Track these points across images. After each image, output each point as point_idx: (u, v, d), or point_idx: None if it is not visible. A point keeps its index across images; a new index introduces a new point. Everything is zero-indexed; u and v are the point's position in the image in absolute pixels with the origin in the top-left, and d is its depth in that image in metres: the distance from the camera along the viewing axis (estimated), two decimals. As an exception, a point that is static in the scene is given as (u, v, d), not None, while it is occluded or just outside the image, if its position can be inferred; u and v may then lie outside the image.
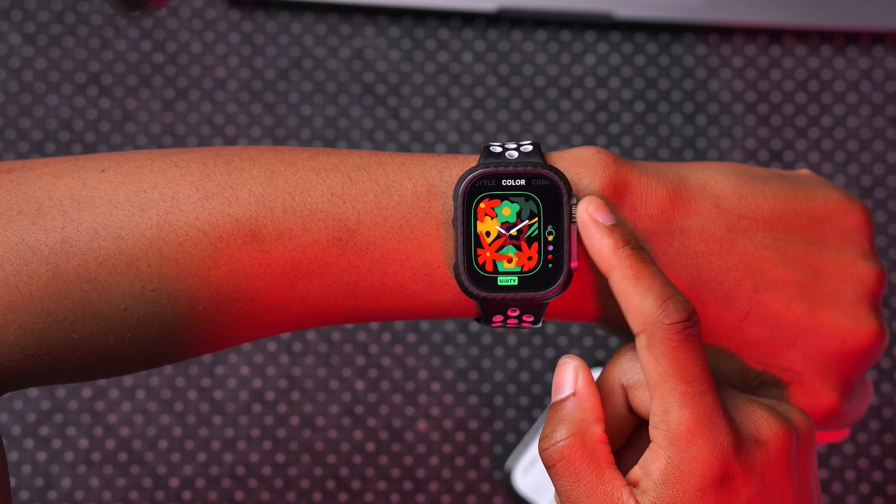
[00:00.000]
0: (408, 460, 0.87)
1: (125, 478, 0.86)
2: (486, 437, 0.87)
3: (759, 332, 0.57)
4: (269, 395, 0.87)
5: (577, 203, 0.54)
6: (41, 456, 0.86)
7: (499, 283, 0.54)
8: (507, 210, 0.54)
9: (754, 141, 0.90)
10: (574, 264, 0.55)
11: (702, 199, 0.56)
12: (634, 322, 0.53)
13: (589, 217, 0.54)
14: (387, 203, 0.54)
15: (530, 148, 0.55)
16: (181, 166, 0.54)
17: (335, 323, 0.57)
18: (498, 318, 0.56)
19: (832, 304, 0.57)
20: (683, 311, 0.52)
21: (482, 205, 0.54)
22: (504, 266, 0.55)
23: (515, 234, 0.54)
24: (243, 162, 0.55)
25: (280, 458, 0.87)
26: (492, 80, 0.91)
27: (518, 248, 0.55)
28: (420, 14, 0.91)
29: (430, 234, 0.54)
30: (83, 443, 0.86)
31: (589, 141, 0.90)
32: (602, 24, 0.91)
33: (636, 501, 0.52)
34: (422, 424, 0.87)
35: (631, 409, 0.56)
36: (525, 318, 0.56)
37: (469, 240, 0.54)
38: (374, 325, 0.88)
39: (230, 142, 0.90)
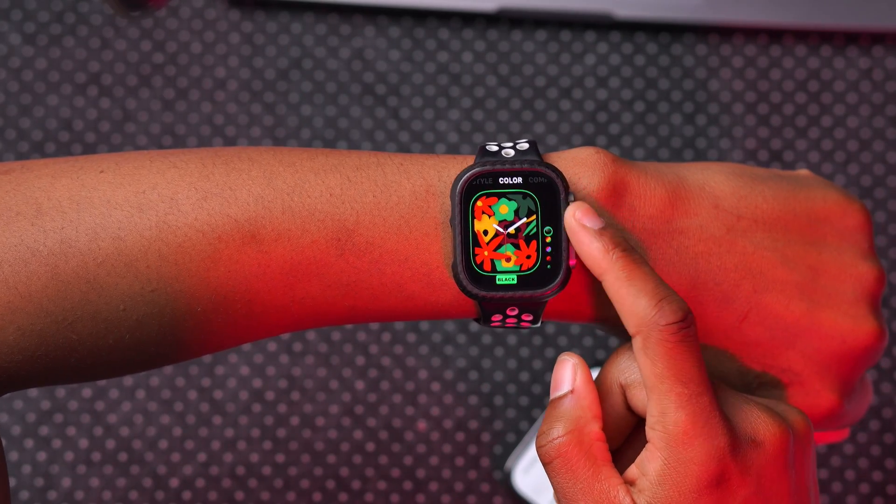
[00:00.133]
0: (408, 460, 0.87)
1: (125, 478, 0.86)
2: (486, 437, 0.87)
3: (758, 333, 0.57)
4: (269, 395, 0.87)
5: (573, 201, 0.54)
6: (41, 456, 0.86)
7: (497, 282, 0.54)
8: (505, 208, 0.54)
9: (754, 141, 0.90)
10: (572, 262, 0.55)
11: (701, 200, 0.56)
12: (629, 324, 0.53)
13: (577, 222, 0.54)
14: (385, 203, 0.54)
15: (526, 146, 0.55)
16: (180, 167, 0.54)
17: (334, 324, 0.57)
18: (497, 317, 0.56)
19: (831, 305, 0.57)
20: (679, 311, 0.52)
21: (479, 203, 0.54)
22: (503, 265, 0.55)
23: (514, 232, 0.54)
24: (242, 163, 0.55)
25: (280, 458, 0.87)
26: (492, 80, 0.91)
27: (516, 246, 0.55)
28: (420, 14, 0.91)
29: (428, 235, 0.54)
30: (83, 443, 0.86)
31: (589, 141, 0.90)
32: (602, 24, 0.91)
33: (632, 500, 0.52)
34: (422, 424, 0.87)
35: (629, 408, 0.56)
36: (524, 317, 0.56)
37: (467, 239, 0.54)
38: (374, 326, 0.88)
39: (230, 142, 0.90)
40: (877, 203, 0.90)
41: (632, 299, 0.52)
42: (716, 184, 0.57)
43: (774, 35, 0.91)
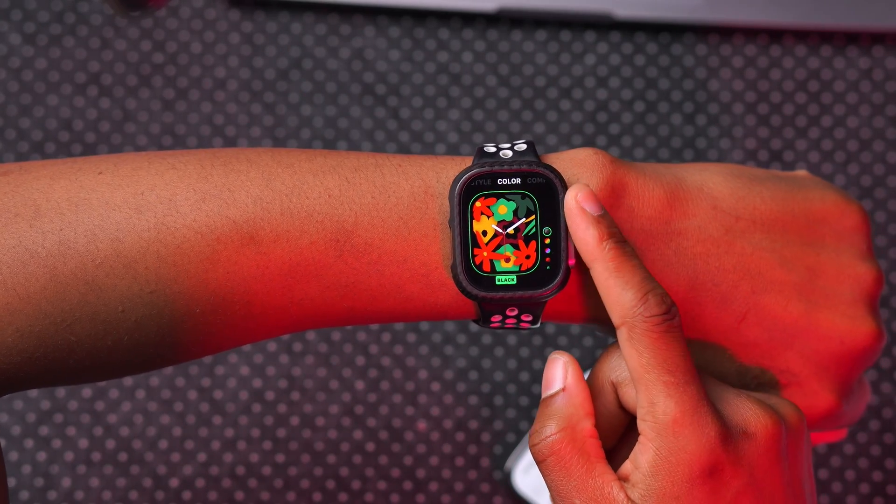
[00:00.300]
0: (408, 460, 0.87)
1: (125, 478, 0.86)
2: (486, 437, 0.87)
3: (756, 334, 0.57)
4: (269, 395, 0.87)
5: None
6: (41, 456, 0.86)
7: (497, 283, 0.54)
8: (504, 208, 0.54)
9: (754, 141, 0.90)
10: (572, 262, 0.55)
11: (699, 201, 0.56)
12: (615, 314, 0.53)
13: (577, 205, 0.54)
14: (384, 204, 0.54)
15: (524, 147, 0.55)
16: (178, 168, 0.54)
17: (333, 325, 0.57)
18: (496, 318, 0.56)
19: (829, 306, 0.57)
20: (662, 303, 0.52)
21: (478, 204, 0.54)
22: (502, 265, 0.55)
23: (513, 232, 0.54)
24: (241, 164, 0.55)
25: (280, 458, 0.87)
26: (492, 80, 0.91)
27: (516, 247, 0.55)
28: (420, 14, 0.91)
29: (427, 236, 0.55)
30: (83, 443, 0.87)
31: (589, 141, 0.90)
32: (602, 24, 0.91)
33: (626, 495, 0.52)
34: (422, 424, 0.87)
35: (622, 406, 0.56)
36: (523, 317, 0.56)
37: (466, 240, 0.54)
38: (374, 326, 0.88)
39: (230, 142, 0.90)
40: (877, 203, 0.90)
41: (618, 290, 0.53)
42: (714, 185, 0.57)
43: (774, 35, 0.91)
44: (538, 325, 0.56)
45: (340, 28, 0.91)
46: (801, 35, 0.91)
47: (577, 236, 0.54)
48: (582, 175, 0.55)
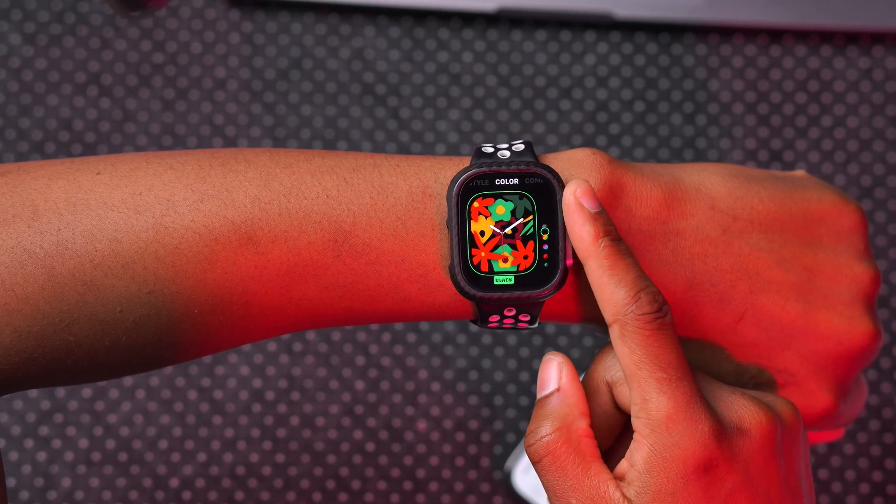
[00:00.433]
0: (408, 460, 0.87)
1: (125, 478, 0.86)
2: (486, 437, 0.87)
3: (754, 334, 0.57)
4: (269, 395, 0.87)
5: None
6: (41, 456, 0.86)
7: (495, 283, 0.55)
8: (502, 209, 0.55)
9: (754, 141, 0.90)
10: (569, 262, 0.55)
11: (697, 201, 0.56)
12: (607, 312, 0.53)
13: (575, 200, 0.54)
14: (382, 205, 0.54)
15: (522, 147, 0.55)
16: (177, 168, 0.54)
17: (332, 325, 0.57)
18: (494, 318, 0.56)
19: (827, 306, 0.57)
20: (654, 301, 0.53)
21: (475, 204, 0.54)
22: (500, 266, 0.55)
23: (510, 232, 0.55)
24: (239, 164, 0.55)
25: (280, 458, 0.87)
26: (492, 80, 0.91)
27: (514, 247, 0.55)
28: (420, 14, 0.91)
29: (425, 236, 0.55)
30: (83, 443, 0.87)
31: (589, 141, 0.90)
32: (602, 24, 0.91)
33: (622, 494, 0.52)
34: (422, 424, 0.87)
35: (618, 406, 0.56)
36: (521, 317, 0.56)
37: (464, 240, 0.54)
38: (374, 326, 0.88)
39: (230, 142, 0.90)
40: (877, 203, 0.90)
41: (611, 288, 0.53)
42: (712, 185, 0.57)
43: (774, 35, 0.91)
44: (536, 325, 0.56)
45: (340, 28, 0.91)
46: (801, 35, 0.91)
47: (573, 232, 0.54)
48: (580, 175, 0.55)
